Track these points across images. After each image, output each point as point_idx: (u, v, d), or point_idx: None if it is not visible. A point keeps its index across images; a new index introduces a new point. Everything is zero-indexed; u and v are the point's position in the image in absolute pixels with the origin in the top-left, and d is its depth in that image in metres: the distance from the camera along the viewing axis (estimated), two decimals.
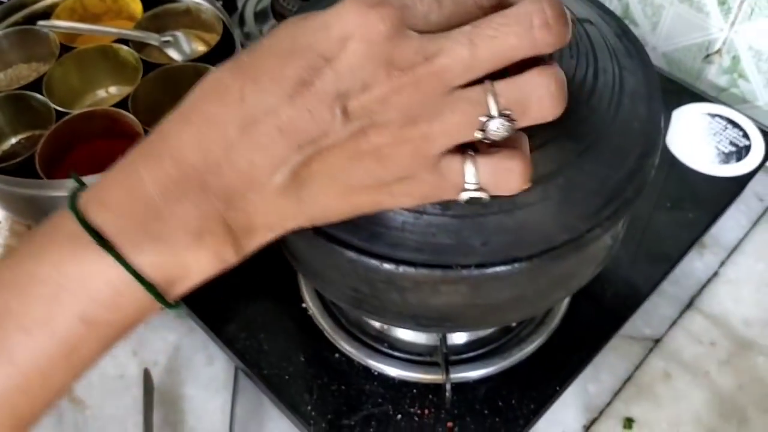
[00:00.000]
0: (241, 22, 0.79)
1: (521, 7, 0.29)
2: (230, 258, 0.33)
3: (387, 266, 0.40)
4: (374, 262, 0.40)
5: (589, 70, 0.43)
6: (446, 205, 0.39)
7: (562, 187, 0.40)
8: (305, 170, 0.30)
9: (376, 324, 0.60)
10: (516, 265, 0.39)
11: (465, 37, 0.29)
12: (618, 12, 0.80)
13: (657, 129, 0.43)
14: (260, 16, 0.81)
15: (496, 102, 0.30)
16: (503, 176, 0.32)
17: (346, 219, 0.35)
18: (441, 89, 0.29)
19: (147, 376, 0.64)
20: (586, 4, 0.48)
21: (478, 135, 0.30)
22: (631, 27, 0.78)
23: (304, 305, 0.61)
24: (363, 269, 0.41)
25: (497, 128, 0.30)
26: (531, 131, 0.39)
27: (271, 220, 0.33)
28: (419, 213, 0.39)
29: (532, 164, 0.33)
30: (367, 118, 0.29)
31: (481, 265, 0.39)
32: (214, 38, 0.70)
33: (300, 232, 0.41)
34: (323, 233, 0.41)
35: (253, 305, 0.62)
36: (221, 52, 0.68)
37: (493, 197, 0.34)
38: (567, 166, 0.40)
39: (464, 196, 0.33)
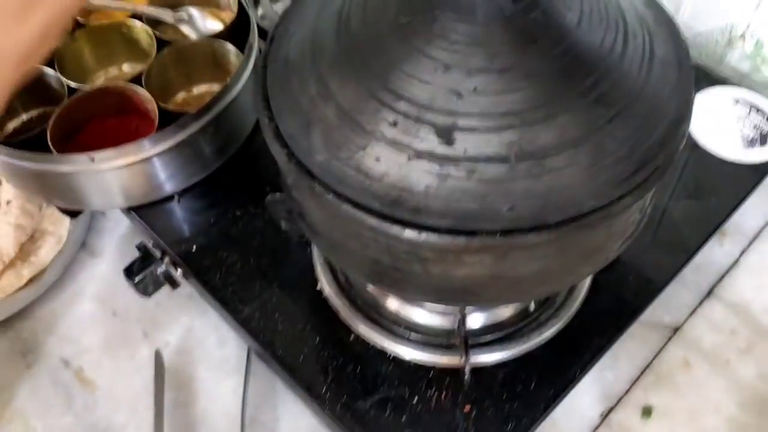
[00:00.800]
0: (256, 1, 0.78)
1: None
2: None
3: (409, 232, 0.38)
4: (396, 228, 0.39)
5: (619, 35, 0.41)
6: (472, 170, 0.38)
7: (591, 153, 0.38)
8: None
9: (392, 306, 0.58)
10: (544, 232, 0.38)
11: None
12: None
13: (688, 95, 0.42)
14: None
15: None
16: None
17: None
18: None
19: (158, 358, 0.63)
20: None
21: None
22: None
23: (318, 287, 0.60)
24: (384, 237, 0.40)
25: None
26: (556, 95, 0.39)
27: None
28: (443, 177, 0.38)
29: (556, 130, 0.36)
30: None
31: (507, 232, 0.38)
32: (228, 15, 0.70)
33: (320, 199, 0.40)
34: (344, 198, 0.39)
35: (267, 287, 0.61)
36: (237, 30, 0.67)
37: (520, 161, 0.34)
38: (596, 132, 0.39)
39: None
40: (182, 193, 0.66)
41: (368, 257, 0.43)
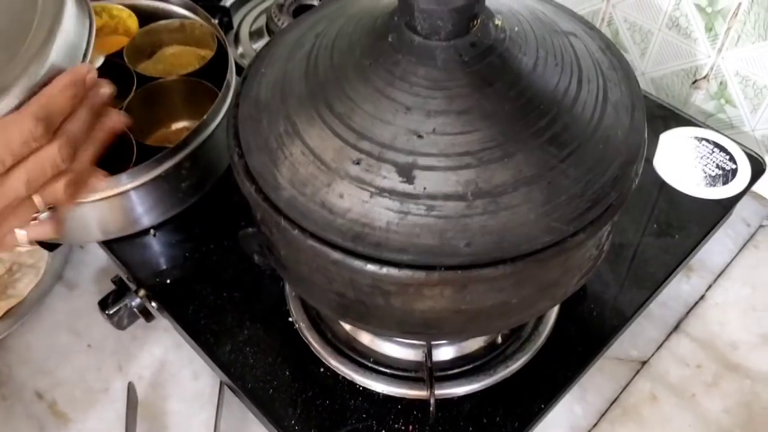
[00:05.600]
0: (236, 40, 0.80)
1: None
2: None
3: (371, 267, 0.40)
4: (358, 262, 0.40)
5: (573, 79, 0.43)
6: (431, 206, 0.40)
7: (545, 191, 0.40)
8: None
9: (362, 339, 0.59)
10: (500, 267, 0.39)
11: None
12: None
13: (640, 137, 0.44)
14: (255, 35, 0.82)
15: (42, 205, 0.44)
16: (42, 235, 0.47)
17: None
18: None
19: (131, 390, 0.63)
20: (571, 19, 0.49)
21: (34, 222, 0.46)
22: None
23: (291, 319, 0.61)
24: (347, 271, 0.41)
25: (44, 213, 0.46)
26: (511, 136, 0.40)
27: None
28: (404, 213, 0.40)
29: (512, 169, 0.40)
30: None
31: (465, 267, 0.39)
32: (208, 54, 0.71)
33: (286, 234, 0.42)
34: (309, 233, 0.41)
35: (240, 320, 0.61)
36: (215, 68, 0.69)
37: (477, 199, 0.38)
38: (550, 171, 0.40)
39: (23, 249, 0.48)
40: (158, 227, 0.67)
41: (333, 291, 0.45)
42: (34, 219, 0.45)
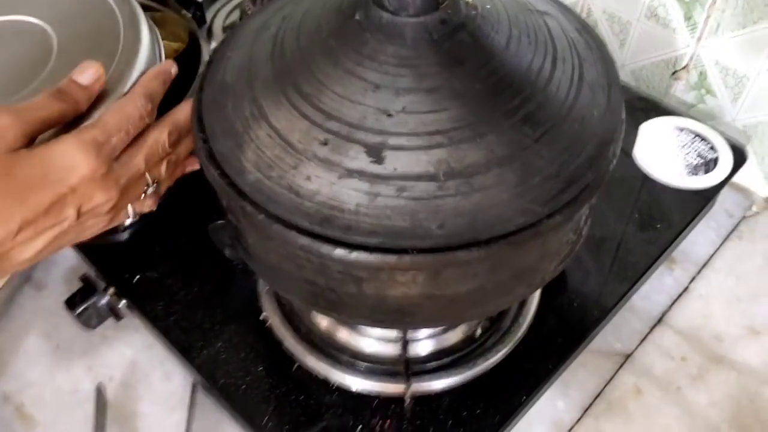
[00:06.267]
0: (210, 34, 0.79)
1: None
2: None
3: (340, 251, 0.38)
4: (327, 247, 0.38)
5: (547, 58, 0.42)
6: (402, 188, 0.38)
7: (518, 171, 0.39)
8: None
9: (337, 334, 0.58)
10: (473, 249, 0.38)
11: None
12: None
13: (617, 117, 0.43)
14: (229, 30, 0.81)
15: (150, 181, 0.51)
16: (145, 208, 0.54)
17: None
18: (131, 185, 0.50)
19: (100, 392, 0.61)
20: (545, 0, 0.48)
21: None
22: None
23: (263, 316, 0.59)
24: (316, 257, 0.40)
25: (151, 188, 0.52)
26: (483, 115, 0.39)
27: None
28: (374, 195, 0.38)
29: (484, 149, 0.39)
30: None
31: (437, 249, 0.38)
32: (181, 47, 0.70)
33: (252, 219, 0.40)
34: (275, 218, 0.39)
35: (211, 316, 0.60)
36: (188, 61, 0.67)
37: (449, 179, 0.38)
38: (524, 151, 0.39)
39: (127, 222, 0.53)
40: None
41: (303, 279, 0.43)
42: (143, 193, 0.52)
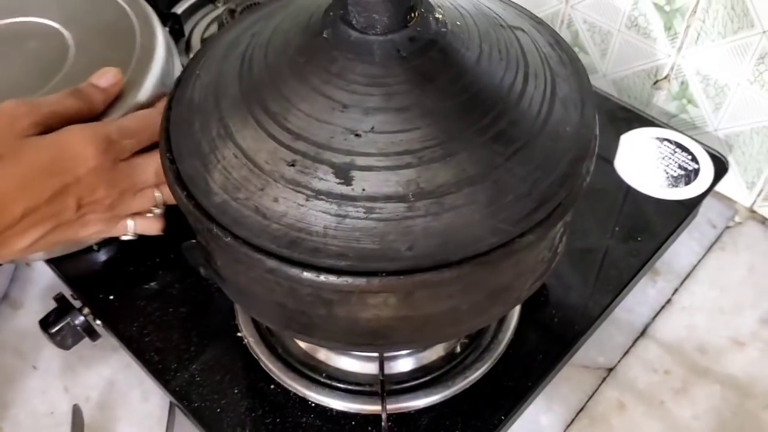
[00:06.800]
0: (188, 48, 0.78)
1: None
2: None
3: (308, 274, 0.37)
4: (294, 270, 0.37)
5: (519, 74, 0.42)
6: (370, 209, 0.37)
7: (490, 190, 0.38)
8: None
9: (317, 353, 0.57)
10: (445, 270, 0.37)
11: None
12: (568, 39, 0.80)
13: (590, 133, 0.42)
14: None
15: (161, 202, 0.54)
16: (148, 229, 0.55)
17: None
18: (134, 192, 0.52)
19: (76, 413, 0.60)
20: (519, 14, 0.47)
21: (149, 214, 0.54)
22: (581, 54, 0.78)
23: (240, 334, 0.58)
24: (285, 280, 0.39)
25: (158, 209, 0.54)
26: (454, 133, 0.38)
27: None
28: (342, 216, 0.37)
29: (455, 168, 0.38)
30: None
31: (407, 271, 0.37)
32: None
33: (219, 242, 0.39)
34: (242, 241, 0.38)
35: (186, 336, 0.59)
36: None
37: (419, 200, 0.37)
38: (495, 169, 0.39)
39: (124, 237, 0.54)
40: (104, 242, 0.64)
41: (274, 302, 0.42)
42: (149, 212, 0.53)
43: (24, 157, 0.45)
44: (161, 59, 0.56)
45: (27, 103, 0.47)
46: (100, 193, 0.48)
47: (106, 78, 0.51)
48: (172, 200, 0.50)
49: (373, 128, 0.38)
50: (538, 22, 0.48)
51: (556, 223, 0.40)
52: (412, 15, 0.39)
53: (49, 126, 0.47)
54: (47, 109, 0.47)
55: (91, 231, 0.51)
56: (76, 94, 0.49)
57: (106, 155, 0.47)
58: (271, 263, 0.38)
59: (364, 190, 0.38)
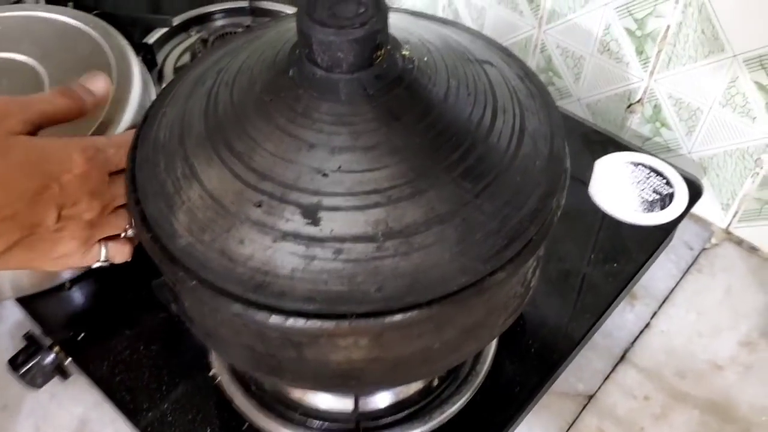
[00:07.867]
0: (160, 78, 0.78)
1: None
2: None
3: (275, 318, 0.37)
4: (261, 314, 0.37)
5: (488, 109, 0.41)
6: (338, 250, 0.37)
7: (459, 228, 0.38)
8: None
9: (288, 391, 0.56)
10: (415, 311, 0.36)
11: None
12: (541, 64, 0.81)
13: (560, 167, 0.42)
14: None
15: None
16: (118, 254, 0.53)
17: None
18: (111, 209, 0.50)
19: None
20: (487, 47, 0.47)
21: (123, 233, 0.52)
22: (555, 79, 0.78)
23: (212, 372, 0.57)
24: (252, 323, 0.38)
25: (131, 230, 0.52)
26: (422, 171, 0.38)
27: None
28: (310, 258, 0.37)
29: (423, 206, 0.38)
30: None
31: (377, 313, 0.36)
32: None
33: (185, 286, 0.38)
34: (208, 284, 0.38)
35: (158, 375, 0.58)
36: None
37: (388, 240, 0.37)
38: (464, 206, 0.38)
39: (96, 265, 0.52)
40: (75, 280, 0.63)
41: (242, 344, 0.41)
42: (123, 231, 0.52)
43: (10, 154, 0.44)
44: (138, 94, 0.57)
45: (17, 101, 0.46)
46: (82, 205, 0.47)
47: (96, 80, 0.51)
48: None
49: (340, 167, 0.38)
50: (508, 54, 0.47)
51: (527, 260, 0.39)
52: (378, 53, 0.39)
53: (39, 125, 0.47)
54: (37, 107, 0.47)
55: (65, 250, 0.49)
56: (67, 93, 0.48)
57: (93, 164, 0.46)
58: (237, 308, 0.37)
59: (332, 230, 0.37)
